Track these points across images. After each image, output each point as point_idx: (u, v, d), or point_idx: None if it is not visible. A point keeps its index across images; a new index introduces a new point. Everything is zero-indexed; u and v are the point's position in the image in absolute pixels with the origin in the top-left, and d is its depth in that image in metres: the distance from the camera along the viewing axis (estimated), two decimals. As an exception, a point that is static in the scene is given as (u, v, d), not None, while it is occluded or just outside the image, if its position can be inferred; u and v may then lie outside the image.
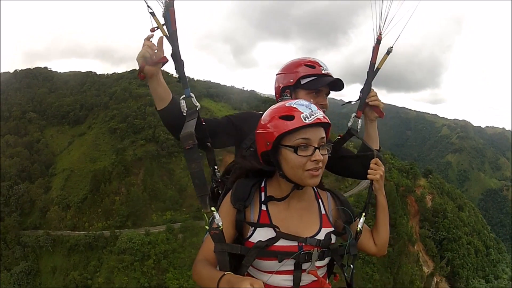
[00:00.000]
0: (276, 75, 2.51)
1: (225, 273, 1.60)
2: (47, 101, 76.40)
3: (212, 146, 2.13)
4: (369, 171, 2.13)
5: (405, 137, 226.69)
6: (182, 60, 2.03)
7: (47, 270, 57.41)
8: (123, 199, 54.54)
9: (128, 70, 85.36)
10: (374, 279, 51.78)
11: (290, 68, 2.44)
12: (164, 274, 49.50)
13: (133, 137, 61.19)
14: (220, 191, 2.17)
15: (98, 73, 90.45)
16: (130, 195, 53.64)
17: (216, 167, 2.33)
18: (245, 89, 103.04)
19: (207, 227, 1.88)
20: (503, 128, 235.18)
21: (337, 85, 2.39)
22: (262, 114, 2.08)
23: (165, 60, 1.94)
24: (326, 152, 1.80)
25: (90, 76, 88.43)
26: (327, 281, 2.07)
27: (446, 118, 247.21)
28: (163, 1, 1.94)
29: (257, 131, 1.86)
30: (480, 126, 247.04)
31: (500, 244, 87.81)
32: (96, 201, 56.01)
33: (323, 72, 2.39)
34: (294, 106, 1.78)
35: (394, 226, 56.08)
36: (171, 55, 2.00)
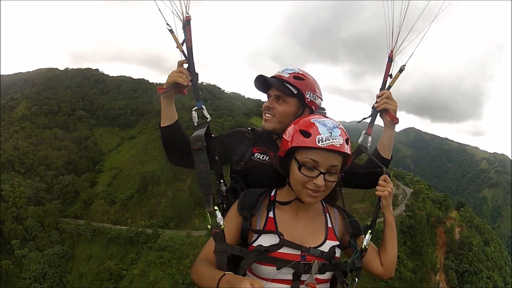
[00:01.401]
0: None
1: (226, 273, 1.78)
2: (98, 102, 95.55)
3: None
4: (377, 187, 2.34)
5: (446, 169, 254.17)
6: (197, 73, 2.38)
7: (82, 257, 70.32)
8: (169, 202, 70.58)
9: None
10: None
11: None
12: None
13: None
14: (225, 206, 2.46)
15: (150, 81, 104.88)
16: (176, 199, 68.77)
17: (222, 181, 2.55)
18: None
19: (209, 226, 2.03)
20: None
21: (264, 83, 2.56)
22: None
23: (185, 94, 2.39)
24: (334, 180, 1.98)
25: (142, 83, 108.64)
26: None
27: (486, 151, 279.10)
28: (182, 19, 2.30)
29: (283, 135, 2.11)
30: None
31: None
32: (142, 200, 72.05)
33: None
34: (317, 124, 1.96)
35: (420, 254, 69.65)
36: (187, 69, 2.36)
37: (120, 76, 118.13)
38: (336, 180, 1.97)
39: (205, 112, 2.39)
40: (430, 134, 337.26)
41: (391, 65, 2.63)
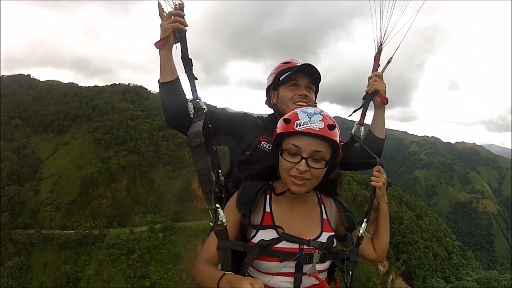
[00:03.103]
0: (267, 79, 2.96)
1: (226, 273, 1.82)
2: (32, 108, 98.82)
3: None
4: (372, 178, 2.48)
5: None
6: (191, 59, 2.41)
7: (38, 265, 74.65)
8: (109, 202, 76.63)
9: (109, 84, 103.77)
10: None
11: (272, 71, 2.88)
12: (147, 267, 70.08)
13: (117, 147, 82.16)
14: (223, 195, 2.59)
15: (79, 84, 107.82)
16: (115, 199, 74.84)
17: (220, 170, 2.64)
18: (217, 106, 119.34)
19: (211, 224, 2.13)
20: (474, 143, 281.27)
21: (310, 71, 2.71)
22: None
23: (184, 36, 2.38)
24: (320, 167, 2.03)
25: (72, 87, 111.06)
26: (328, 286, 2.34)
27: (416, 135, 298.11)
28: (175, 5, 2.39)
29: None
30: (450, 142, 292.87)
31: (466, 251, 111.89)
32: (84, 203, 77.63)
33: (298, 64, 2.75)
34: (298, 111, 2.07)
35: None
36: (181, 58, 2.39)
37: (50, 80, 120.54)
38: (322, 167, 2.04)
39: (202, 102, 2.47)
40: (350, 121, 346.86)
41: (379, 57, 2.84)
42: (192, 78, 2.43)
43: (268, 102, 2.96)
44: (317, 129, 1.95)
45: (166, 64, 2.43)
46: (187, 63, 2.40)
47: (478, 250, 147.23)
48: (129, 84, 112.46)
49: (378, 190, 2.45)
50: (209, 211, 2.14)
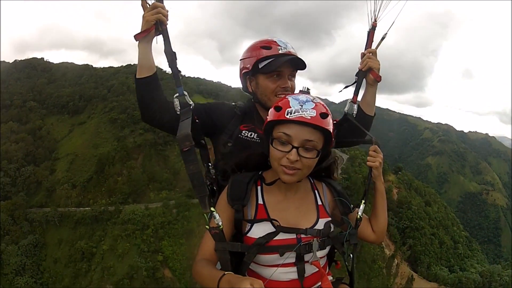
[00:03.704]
0: (239, 60, 2.73)
1: (225, 273, 1.81)
2: (47, 91, 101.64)
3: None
4: (368, 158, 2.44)
5: (387, 138, 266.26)
6: (175, 53, 2.35)
7: (53, 242, 77.01)
8: (125, 179, 78.50)
9: (124, 64, 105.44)
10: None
11: (248, 53, 2.67)
12: (160, 242, 71.72)
13: (133, 126, 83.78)
14: (214, 188, 2.51)
15: (94, 66, 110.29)
16: (131, 176, 77.14)
17: (210, 163, 2.60)
18: (232, 86, 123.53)
19: (207, 227, 2.07)
20: (486, 134, 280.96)
21: (297, 63, 2.59)
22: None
23: (166, 25, 2.32)
24: (311, 156, 1.98)
25: (87, 69, 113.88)
26: (328, 270, 2.37)
27: (430, 122, 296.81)
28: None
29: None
30: (463, 131, 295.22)
31: (472, 243, 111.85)
32: (100, 181, 79.46)
33: (280, 52, 2.58)
34: (290, 98, 2.00)
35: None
36: (164, 51, 2.34)
37: (64, 63, 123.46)
38: (313, 156, 1.99)
39: (187, 98, 2.41)
40: None
41: (374, 33, 2.76)
42: (176, 73, 2.37)
43: (245, 88, 2.78)
44: (309, 117, 1.92)
45: (145, 58, 2.34)
46: (171, 57, 2.36)
47: (485, 243, 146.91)
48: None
49: (374, 170, 2.44)
50: (205, 214, 2.10)
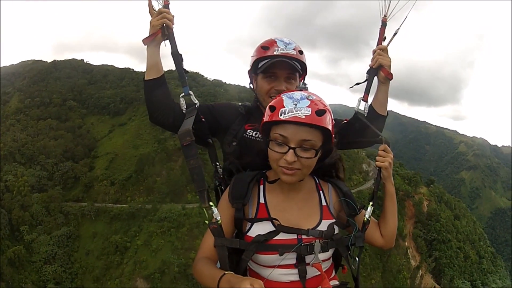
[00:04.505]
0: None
1: (226, 272, 1.84)
2: (87, 91, 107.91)
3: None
4: (377, 157, 2.38)
5: (424, 151, 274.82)
6: (181, 55, 2.46)
7: (87, 235, 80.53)
8: (164, 180, 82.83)
9: (165, 69, 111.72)
10: (365, 262, 74.73)
11: (254, 51, 2.73)
12: (194, 240, 74.12)
13: None
14: (223, 188, 2.55)
15: (135, 69, 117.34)
16: (170, 177, 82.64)
17: (217, 163, 2.65)
18: None
19: (207, 222, 2.11)
20: None
21: (291, 66, 2.55)
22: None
23: (172, 34, 2.46)
24: (309, 156, 1.97)
25: (128, 72, 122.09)
26: (334, 274, 2.32)
27: (465, 135, 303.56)
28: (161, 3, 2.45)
29: None
30: (496, 145, 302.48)
31: (497, 258, 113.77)
32: (139, 180, 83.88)
33: (275, 53, 2.58)
34: (284, 97, 2.00)
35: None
36: (171, 53, 2.44)
37: (104, 65, 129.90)
38: (312, 156, 1.97)
39: (193, 97, 2.51)
40: (409, 117, 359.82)
41: (384, 30, 2.74)
42: (182, 73, 2.49)
43: (252, 86, 2.87)
44: (303, 116, 1.89)
45: (152, 61, 2.48)
46: (177, 59, 2.48)
47: (510, 260, 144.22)
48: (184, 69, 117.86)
49: (383, 170, 2.37)
50: (204, 209, 2.12)
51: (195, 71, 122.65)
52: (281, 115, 1.91)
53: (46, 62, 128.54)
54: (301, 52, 2.62)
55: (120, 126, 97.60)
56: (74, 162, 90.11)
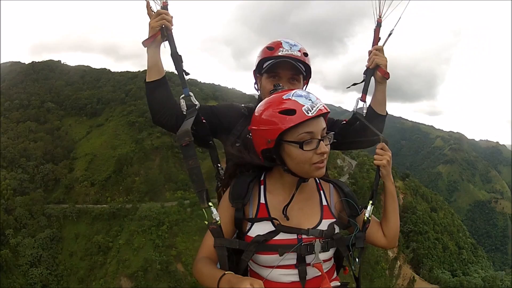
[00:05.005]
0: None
1: (226, 272, 1.84)
2: (65, 93, 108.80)
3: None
4: (375, 156, 2.37)
5: (399, 146, 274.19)
6: (180, 56, 2.46)
7: (70, 237, 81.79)
8: (142, 179, 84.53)
9: (141, 70, 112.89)
10: None
11: (260, 52, 2.78)
12: (174, 238, 76.54)
13: (150, 130, 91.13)
14: (225, 189, 2.44)
15: (111, 70, 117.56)
16: (148, 176, 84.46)
17: (219, 165, 2.67)
18: (246, 93, 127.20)
19: (206, 222, 2.07)
20: (497, 142, 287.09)
21: (294, 67, 2.59)
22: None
23: (171, 34, 2.45)
24: (329, 143, 2.01)
25: (105, 72, 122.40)
26: (335, 275, 2.31)
27: (442, 130, 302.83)
28: (160, 4, 2.46)
29: (254, 128, 2.06)
30: (474, 139, 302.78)
31: (478, 249, 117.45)
32: (118, 180, 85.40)
33: (280, 53, 2.63)
34: (293, 98, 1.95)
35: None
36: (171, 54, 2.44)
37: (81, 65, 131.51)
38: (330, 142, 2.01)
39: (193, 98, 2.49)
40: None
41: (379, 30, 2.75)
42: (182, 75, 2.48)
43: (256, 86, 2.93)
44: (323, 107, 1.97)
45: (153, 62, 2.49)
46: (177, 60, 2.48)
47: (492, 251, 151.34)
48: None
49: (382, 169, 2.37)
50: (204, 210, 2.08)
51: (170, 71, 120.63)
52: (307, 113, 1.88)
53: (24, 63, 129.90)
54: (306, 55, 2.70)
55: (98, 127, 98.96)
56: (54, 164, 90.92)
